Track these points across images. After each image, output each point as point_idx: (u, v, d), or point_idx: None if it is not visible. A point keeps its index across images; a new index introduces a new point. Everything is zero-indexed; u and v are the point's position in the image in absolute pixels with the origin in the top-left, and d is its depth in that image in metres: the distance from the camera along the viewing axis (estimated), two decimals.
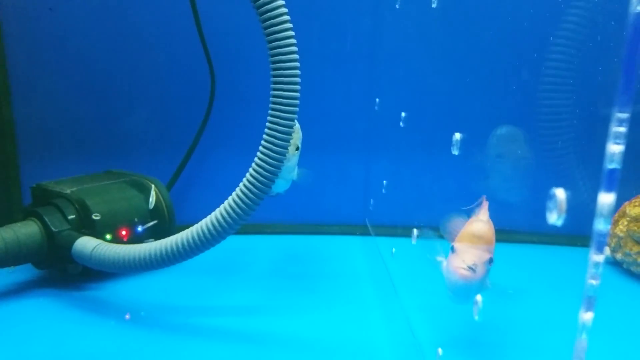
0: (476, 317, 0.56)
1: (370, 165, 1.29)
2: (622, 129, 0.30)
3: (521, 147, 0.97)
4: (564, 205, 0.36)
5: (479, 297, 0.56)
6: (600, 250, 0.32)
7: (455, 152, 0.66)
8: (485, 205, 0.76)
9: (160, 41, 1.21)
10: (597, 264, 0.32)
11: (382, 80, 1.22)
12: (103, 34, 1.20)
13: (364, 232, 1.29)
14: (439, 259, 0.72)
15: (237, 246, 1.20)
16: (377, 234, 1.23)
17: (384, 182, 1.11)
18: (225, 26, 1.20)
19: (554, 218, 0.36)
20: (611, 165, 0.30)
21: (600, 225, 0.31)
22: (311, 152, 1.15)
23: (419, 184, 0.89)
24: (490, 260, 0.65)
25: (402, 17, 1.16)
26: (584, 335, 0.33)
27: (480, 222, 0.71)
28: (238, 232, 1.24)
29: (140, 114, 1.25)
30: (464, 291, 0.66)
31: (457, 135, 0.65)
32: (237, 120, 1.24)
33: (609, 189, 0.31)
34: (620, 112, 0.29)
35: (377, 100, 1.21)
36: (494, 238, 0.69)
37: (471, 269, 0.63)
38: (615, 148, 0.30)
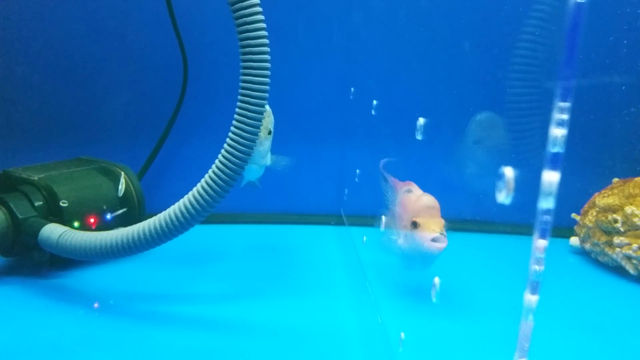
0: (434, 299, 0.58)
1: (346, 155, 1.29)
2: (564, 116, 0.30)
3: (499, 134, 0.98)
4: (511, 184, 0.36)
5: (436, 280, 0.58)
6: (544, 236, 0.32)
7: (419, 137, 0.66)
8: (404, 183, 0.85)
9: (133, 28, 1.19)
10: (540, 249, 0.32)
11: (357, 70, 1.22)
12: (75, 21, 1.17)
13: (339, 222, 1.29)
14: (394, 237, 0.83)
15: (211, 235, 1.19)
16: (351, 224, 1.24)
17: (357, 171, 1.11)
18: (198, 14, 1.19)
19: (503, 197, 0.37)
20: (554, 149, 0.30)
21: (543, 209, 0.31)
22: (287, 142, 1.14)
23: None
24: (445, 225, 0.77)
25: (376, 5, 1.16)
26: (529, 318, 0.33)
27: (426, 195, 0.80)
28: (212, 222, 1.25)
29: (113, 102, 1.23)
30: (437, 257, 0.77)
31: (421, 120, 0.66)
32: (210, 109, 1.23)
33: (553, 169, 0.31)
34: (562, 101, 0.29)
35: (352, 89, 1.20)
36: None
37: (442, 235, 0.75)
38: (558, 132, 0.31)
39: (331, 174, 1.31)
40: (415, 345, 0.70)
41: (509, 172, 0.36)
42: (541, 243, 0.32)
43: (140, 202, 1.04)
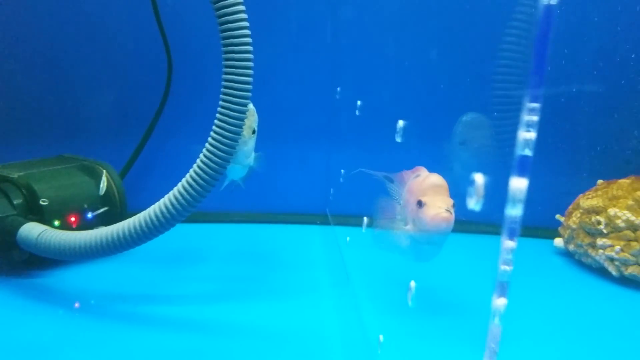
0: (410, 303, 0.57)
1: (332, 154, 1.29)
2: (533, 118, 0.30)
3: (485, 135, 0.98)
4: (481, 191, 0.36)
5: (412, 284, 0.57)
6: (512, 236, 0.32)
7: (398, 139, 0.66)
8: (413, 170, 0.82)
9: (117, 24, 1.18)
10: (509, 250, 0.32)
11: (343, 69, 1.21)
12: (58, 16, 1.16)
13: (325, 222, 1.29)
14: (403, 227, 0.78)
15: (196, 234, 1.18)
16: (337, 223, 1.23)
17: (342, 171, 1.11)
18: (183, 11, 1.18)
19: (473, 203, 0.36)
20: (524, 152, 0.30)
21: (511, 210, 0.31)
22: (273, 141, 1.14)
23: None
24: (454, 204, 0.72)
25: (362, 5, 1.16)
26: (497, 320, 0.33)
27: (433, 174, 0.76)
28: (197, 221, 1.24)
29: (97, 98, 1.22)
30: (445, 234, 0.72)
31: (401, 123, 0.65)
32: (194, 107, 1.22)
33: (521, 174, 0.31)
34: (532, 102, 0.29)
35: (339, 89, 1.20)
36: None
37: (448, 211, 0.70)
38: (527, 135, 0.30)
39: (317, 173, 1.30)
40: (394, 348, 0.69)
41: (479, 178, 0.36)
42: (509, 244, 0.32)
43: (122, 201, 1.03)
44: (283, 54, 1.23)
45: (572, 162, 1.25)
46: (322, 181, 1.30)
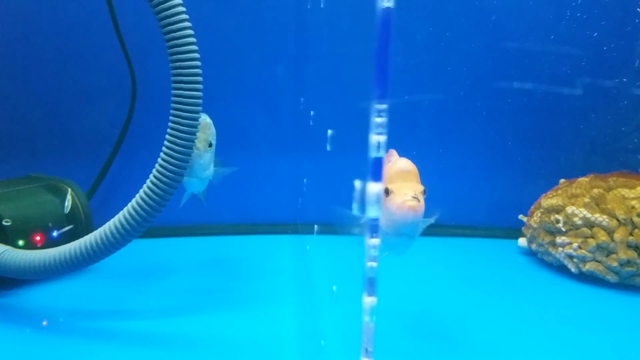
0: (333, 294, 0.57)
1: (300, 164, 1.30)
2: (382, 119, 0.31)
3: None
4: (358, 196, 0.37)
5: (334, 288, 0.58)
6: (374, 233, 0.34)
7: (328, 148, 0.67)
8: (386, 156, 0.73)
9: (80, 42, 1.19)
10: (373, 247, 0.34)
11: (306, 80, 1.23)
12: (21, 33, 1.17)
13: (295, 231, 1.30)
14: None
15: (164, 249, 1.19)
16: (305, 232, 1.25)
17: (304, 180, 1.13)
18: (144, 27, 1.19)
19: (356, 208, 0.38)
20: (376, 154, 0.32)
21: (371, 212, 0.33)
22: (242, 152, 1.15)
23: (328, 180, 0.91)
24: (424, 191, 0.66)
25: (327, 16, 1.18)
26: (368, 319, 0.34)
27: (403, 159, 0.70)
28: (165, 235, 1.25)
29: (62, 117, 1.23)
30: (414, 224, 0.65)
31: (329, 132, 0.66)
32: (160, 123, 1.24)
33: (375, 179, 0.32)
34: (379, 103, 0.30)
35: (302, 99, 1.22)
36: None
37: (415, 198, 0.63)
38: (377, 138, 0.32)
39: (287, 183, 1.32)
40: (334, 351, 0.70)
41: (357, 184, 0.37)
42: (373, 241, 0.34)
43: (87, 219, 1.04)
44: (249, 65, 1.25)
45: (537, 163, 1.27)
46: (292, 191, 1.32)
